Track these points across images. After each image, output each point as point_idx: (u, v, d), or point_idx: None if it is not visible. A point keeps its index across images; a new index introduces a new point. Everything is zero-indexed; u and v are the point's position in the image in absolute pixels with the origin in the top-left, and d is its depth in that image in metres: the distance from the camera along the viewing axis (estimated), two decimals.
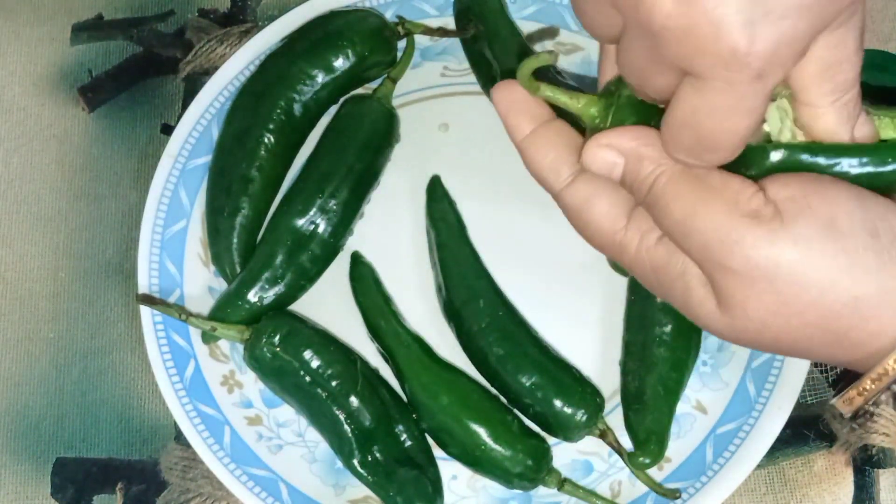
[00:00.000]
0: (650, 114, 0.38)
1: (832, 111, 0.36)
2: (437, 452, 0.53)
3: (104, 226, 0.61)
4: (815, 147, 0.36)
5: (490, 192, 0.58)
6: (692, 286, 0.37)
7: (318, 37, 0.57)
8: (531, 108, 0.41)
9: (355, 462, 0.51)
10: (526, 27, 0.59)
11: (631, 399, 0.53)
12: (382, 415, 0.52)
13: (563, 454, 0.54)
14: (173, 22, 0.64)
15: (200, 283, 0.56)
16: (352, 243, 0.57)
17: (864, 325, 0.35)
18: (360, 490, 0.53)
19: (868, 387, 0.37)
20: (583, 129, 0.40)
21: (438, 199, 0.57)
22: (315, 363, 0.52)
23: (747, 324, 0.36)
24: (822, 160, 0.36)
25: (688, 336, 0.53)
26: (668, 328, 0.52)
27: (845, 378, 0.40)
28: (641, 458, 0.52)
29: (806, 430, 0.55)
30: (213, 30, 0.63)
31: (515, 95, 0.41)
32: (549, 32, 0.60)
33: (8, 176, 0.62)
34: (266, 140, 0.55)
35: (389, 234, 0.58)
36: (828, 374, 0.57)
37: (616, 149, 0.37)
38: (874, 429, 0.55)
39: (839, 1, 0.32)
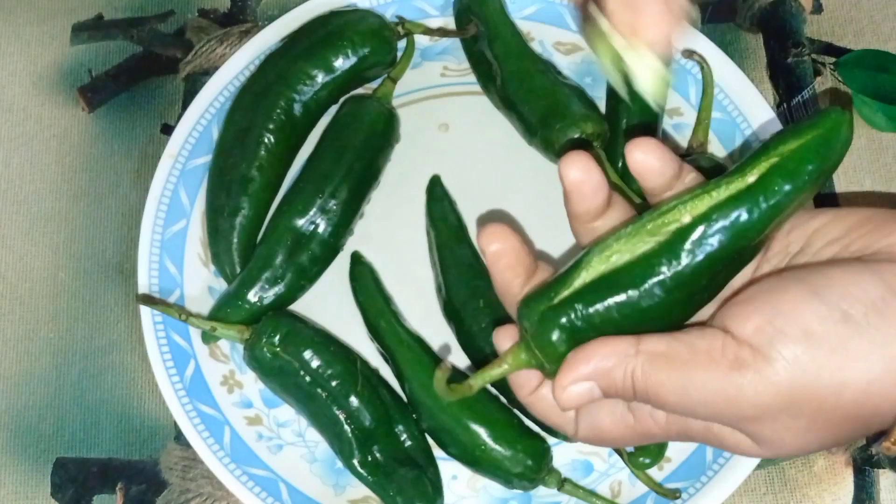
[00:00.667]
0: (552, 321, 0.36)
1: None
2: (437, 452, 0.53)
3: (104, 226, 0.61)
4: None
5: (490, 192, 0.58)
6: (722, 436, 0.38)
7: (318, 37, 0.57)
8: (529, 373, 0.40)
9: (355, 462, 0.51)
10: (526, 27, 0.59)
11: None
12: (382, 415, 0.52)
13: (563, 454, 0.54)
14: (173, 22, 0.64)
15: (200, 283, 0.56)
16: (352, 243, 0.57)
17: (885, 400, 0.35)
18: (360, 490, 0.53)
19: None
20: None
21: (438, 199, 0.57)
22: (315, 363, 0.52)
23: (790, 450, 0.37)
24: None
25: None
26: None
27: None
28: (641, 458, 0.52)
29: None
30: (213, 30, 0.63)
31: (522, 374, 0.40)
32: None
33: (8, 176, 0.62)
34: (266, 140, 0.55)
35: (389, 234, 0.58)
36: None
37: (581, 378, 0.37)
38: None
39: None
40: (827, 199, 0.59)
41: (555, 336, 0.36)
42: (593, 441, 0.41)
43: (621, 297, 0.36)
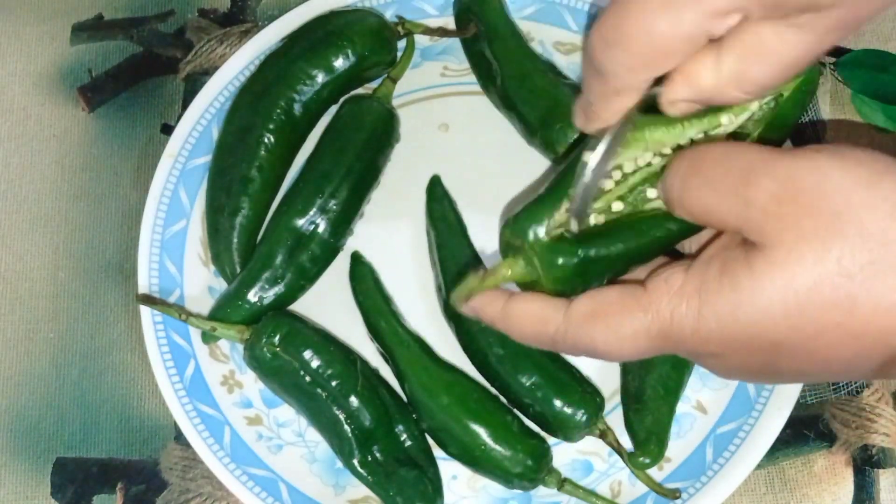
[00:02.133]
0: (571, 244, 0.39)
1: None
2: (437, 452, 0.53)
3: (104, 226, 0.61)
4: None
5: (490, 192, 0.58)
6: (735, 268, 0.36)
7: (318, 37, 0.57)
8: (491, 293, 0.41)
9: (355, 462, 0.51)
10: (526, 27, 0.59)
11: (631, 399, 0.53)
12: (382, 415, 0.52)
13: (563, 454, 0.54)
14: (173, 22, 0.64)
15: (200, 283, 0.56)
16: (352, 243, 0.57)
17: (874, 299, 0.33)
18: (360, 490, 0.53)
19: None
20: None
21: (438, 199, 0.57)
22: (315, 363, 0.52)
23: (805, 250, 0.34)
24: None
25: None
26: None
27: None
28: (641, 458, 0.52)
29: (806, 430, 0.55)
30: (213, 30, 0.63)
31: (478, 297, 0.42)
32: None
33: (8, 176, 0.62)
34: (266, 140, 0.55)
35: (389, 234, 0.58)
36: None
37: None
38: (874, 429, 0.55)
39: None
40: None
41: (561, 260, 0.39)
42: (584, 328, 0.39)
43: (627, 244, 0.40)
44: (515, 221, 0.40)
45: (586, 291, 0.39)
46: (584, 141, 0.40)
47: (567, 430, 0.52)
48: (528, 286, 0.41)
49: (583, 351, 0.39)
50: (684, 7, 0.35)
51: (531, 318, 0.40)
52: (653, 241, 0.40)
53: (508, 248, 0.41)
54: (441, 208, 0.57)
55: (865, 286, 0.33)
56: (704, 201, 0.37)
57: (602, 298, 0.39)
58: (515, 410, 0.53)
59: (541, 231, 0.39)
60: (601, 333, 0.38)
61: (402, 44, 0.58)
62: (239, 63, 0.59)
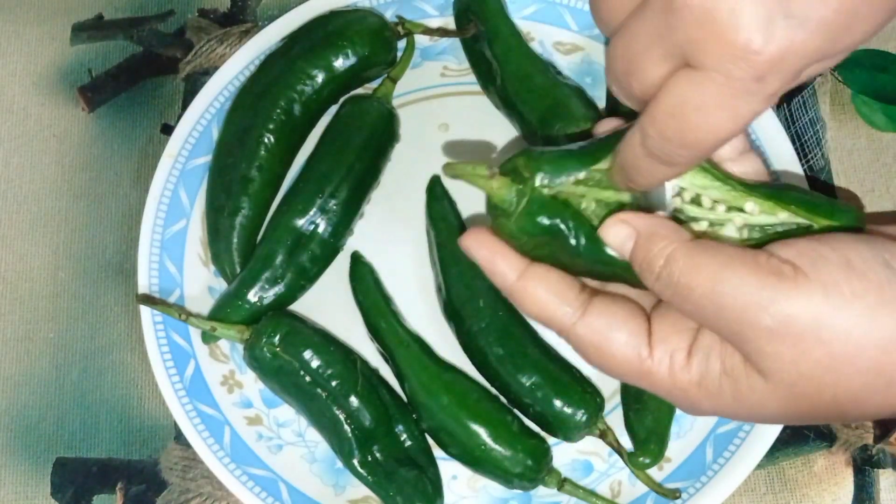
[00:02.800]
0: (560, 210, 0.38)
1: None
2: (437, 452, 0.53)
3: (104, 226, 0.61)
4: None
5: None
6: (737, 375, 0.37)
7: (318, 37, 0.57)
8: (509, 252, 0.40)
9: (355, 462, 0.51)
10: (526, 27, 0.59)
11: (631, 399, 0.53)
12: (382, 415, 0.52)
13: (563, 454, 0.54)
14: (173, 22, 0.64)
15: (200, 283, 0.56)
16: (352, 243, 0.57)
17: None
18: (360, 490, 0.53)
19: None
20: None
21: (438, 199, 0.57)
22: (315, 363, 0.52)
23: (805, 387, 0.35)
24: None
25: None
26: None
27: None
28: (641, 458, 0.52)
29: (806, 430, 0.55)
30: (213, 30, 0.63)
31: (490, 243, 0.40)
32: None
33: (8, 176, 0.62)
34: (266, 140, 0.55)
35: (389, 234, 0.58)
36: None
37: (631, 225, 0.38)
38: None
39: (852, 35, 0.32)
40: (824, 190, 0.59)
41: (541, 220, 0.38)
42: (587, 350, 0.40)
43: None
44: (537, 158, 0.39)
45: (593, 307, 0.39)
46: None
47: (567, 430, 0.52)
48: (494, 209, 0.40)
49: (577, 351, 0.40)
50: (746, 98, 0.33)
51: (540, 307, 0.40)
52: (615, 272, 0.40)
53: (513, 172, 0.39)
54: (441, 208, 0.57)
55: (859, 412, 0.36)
56: (704, 320, 0.37)
57: (610, 336, 0.39)
58: (515, 410, 0.53)
59: (550, 180, 0.38)
60: (597, 362, 0.40)
61: (402, 44, 0.58)
62: (239, 63, 0.59)
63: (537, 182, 0.38)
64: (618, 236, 0.38)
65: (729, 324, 0.35)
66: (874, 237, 0.36)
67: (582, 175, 0.39)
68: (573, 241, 0.39)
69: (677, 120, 0.34)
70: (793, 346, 0.34)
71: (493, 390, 0.54)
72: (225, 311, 0.54)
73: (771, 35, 0.31)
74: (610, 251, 0.39)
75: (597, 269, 0.40)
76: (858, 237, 0.36)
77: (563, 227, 0.39)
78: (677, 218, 0.39)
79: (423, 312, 0.56)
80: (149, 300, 0.54)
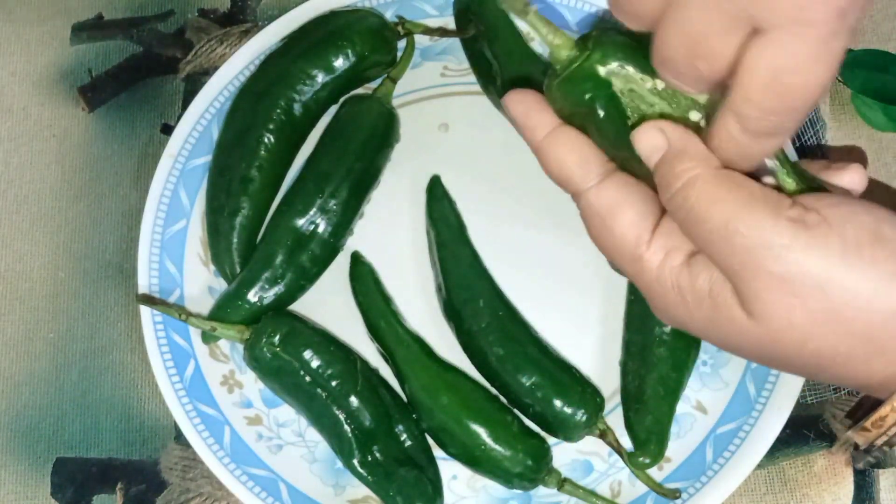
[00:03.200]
0: (604, 88, 0.38)
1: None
2: (437, 452, 0.53)
3: (104, 225, 0.61)
4: None
5: (490, 192, 0.58)
6: (721, 302, 0.36)
7: (318, 37, 0.57)
8: (547, 110, 0.40)
9: (355, 462, 0.51)
10: (526, 27, 0.59)
11: (631, 399, 0.53)
12: (382, 415, 0.52)
13: (563, 454, 0.54)
14: (173, 22, 0.64)
15: (200, 283, 0.56)
16: (352, 243, 0.57)
17: None
18: (360, 490, 0.53)
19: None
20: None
21: (438, 199, 0.57)
22: (315, 363, 0.52)
23: (790, 335, 0.35)
24: None
25: (688, 336, 0.52)
26: (668, 328, 0.52)
27: (862, 407, 0.40)
28: (641, 458, 0.52)
29: (806, 430, 0.55)
30: (213, 30, 0.63)
31: (530, 100, 0.40)
32: None
33: (8, 176, 0.62)
34: (266, 140, 0.55)
35: (389, 234, 0.58)
36: None
37: (666, 136, 0.37)
38: None
39: None
40: None
41: (587, 88, 0.38)
42: (593, 218, 0.39)
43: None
44: (609, 37, 0.38)
45: (612, 179, 0.39)
46: None
47: (567, 430, 0.52)
48: (550, 67, 0.39)
49: (583, 219, 0.40)
50: (835, 40, 0.31)
51: (561, 165, 0.39)
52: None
53: (583, 39, 0.39)
54: (441, 208, 0.57)
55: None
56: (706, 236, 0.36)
57: (618, 211, 0.38)
58: (515, 410, 0.53)
59: (609, 60, 0.38)
60: (597, 234, 0.40)
61: (402, 44, 0.58)
62: (239, 63, 0.59)
63: (596, 56, 0.38)
64: (649, 143, 0.37)
65: (732, 261, 0.35)
66: None
67: (661, 85, 0.38)
68: (605, 125, 0.38)
69: (776, 90, 0.32)
70: (792, 294, 0.34)
71: (493, 390, 0.54)
72: (225, 311, 0.54)
73: None
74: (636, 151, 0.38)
75: (620, 164, 0.40)
76: (892, 211, 0.35)
77: (598, 106, 0.38)
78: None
79: (423, 312, 0.56)
80: (149, 300, 0.54)
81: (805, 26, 0.30)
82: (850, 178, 0.39)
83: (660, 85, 0.38)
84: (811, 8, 0.30)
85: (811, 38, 0.30)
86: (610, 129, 0.39)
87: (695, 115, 0.38)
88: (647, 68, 0.38)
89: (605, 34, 0.39)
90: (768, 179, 0.38)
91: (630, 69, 0.38)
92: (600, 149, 0.40)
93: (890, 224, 0.34)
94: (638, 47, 0.38)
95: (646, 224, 0.38)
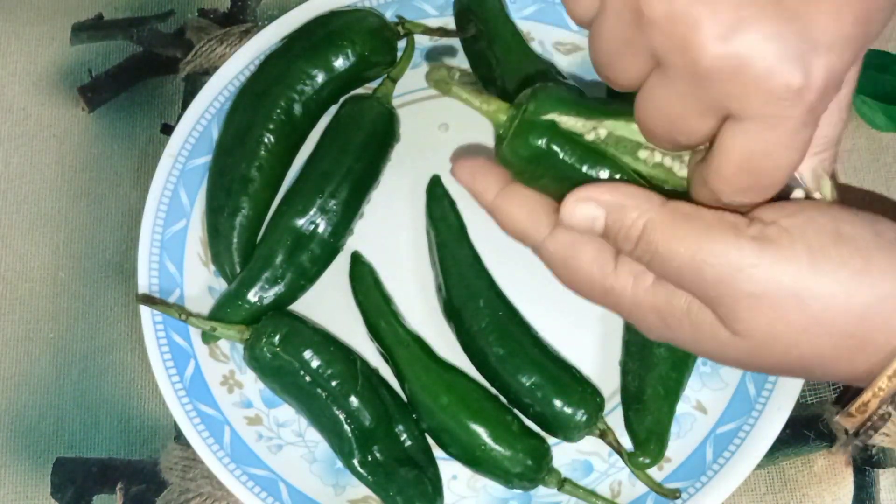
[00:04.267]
0: (552, 133, 0.38)
1: (807, 163, 0.37)
2: (437, 452, 0.53)
3: (104, 225, 0.61)
4: None
5: None
6: (700, 321, 0.37)
7: (318, 37, 0.57)
8: (494, 172, 0.40)
9: (355, 462, 0.51)
10: (526, 27, 0.59)
11: (631, 399, 0.53)
12: (382, 415, 0.52)
13: (563, 454, 0.54)
14: (173, 22, 0.64)
15: (200, 283, 0.56)
16: (352, 243, 0.57)
17: (888, 322, 0.34)
18: (360, 490, 0.53)
19: (883, 386, 0.36)
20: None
21: (438, 199, 0.57)
22: (315, 363, 0.52)
23: (774, 346, 0.36)
24: None
25: None
26: None
27: (848, 391, 0.40)
28: (641, 458, 0.52)
29: (806, 430, 0.55)
30: (213, 30, 0.63)
31: (475, 165, 0.41)
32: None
33: (8, 175, 0.62)
34: (266, 140, 0.55)
35: (389, 234, 0.58)
36: None
37: (596, 200, 0.37)
38: None
39: (872, 35, 0.32)
40: None
41: (535, 135, 0.38)
42: (556, 265, 0.40)
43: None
44: (543, 92, 0.38)
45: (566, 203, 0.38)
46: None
47: (567, 430, 0.52)
48: (496, 138, 0.40)
49: (549, 269, 0.41)
50: (805, 128, 0.33)
51: (514, 222, 0.40)
52: None
53: (525, 97, 0.39)
54: (441, 208, 0.57)
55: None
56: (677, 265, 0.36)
57: (577, 251, 0.39)
58: (515, 410, 0.53)
59: (547, 110, 0.38)
60: (564, 278, 0.40)
61: (402, 44, 0.58)
62: (239, 63, 0.59)
63: (531, 108, 0.38)
64: (583, 217, 0.37)
65: (707, 289, 0.35)
66: (864, 212, 0.36)
67: (603, 133, 0.38)
68: (561, 166, 0.38)
69: (748, 172, 0.34)
70: (770, 309, 0.34)
71: (493, 390, 0.54)
72: (225, 311, 0.54)
73: (809, 68, 0.31)
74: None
75: None
76: (849, 208, 0.36)
77: (550, 150, 0.38)
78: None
79: (423, 312, 0.56)
80: (149, 300, 0.54)
81: (778, 118, 0.32)
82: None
83: (602, 133, 0.38)
84: (782, 105, 0.31)
85: (782, 130, 0.32)
86: (567, 168, 0.38)
87: (643, 153, 0.38)
88: (588, 115, 0.38)
89: (540, 89, 0.39)
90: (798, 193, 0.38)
91: (568, 118, 0.38)
92: (565, 193, 0.39)
93: (848, 222, 0.35)
94: (577, 98, 0.39)
95: (606, 256, 0.38)
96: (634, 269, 0.38)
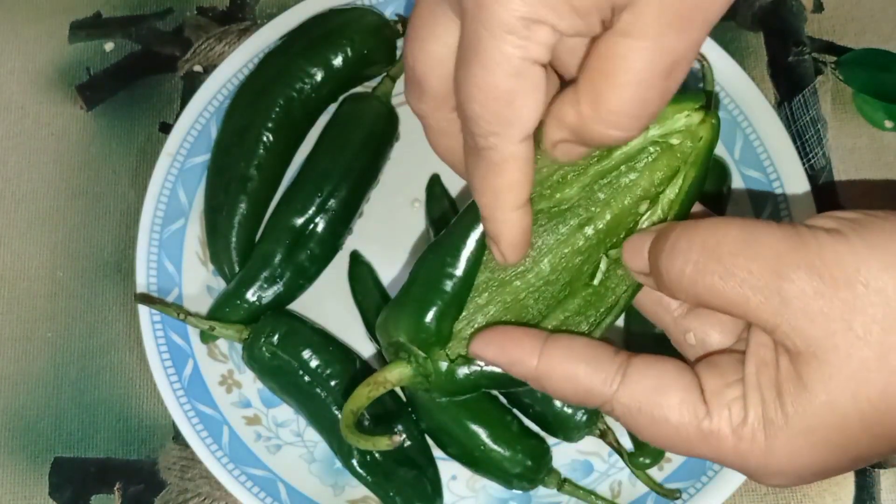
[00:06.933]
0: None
1: None
2: (437, 452, 0.53)
3: (102, 224, 0.60)
4: None
5: None
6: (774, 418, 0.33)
7: (317, 35, 0.57)
8: (526, 335, 0.36)
9: (354, 462, 0.51)
10: None
11: None
12: (382, 415, 0.52)
13: (563, 454, 0.54)
14: (172, 20, 0.64)
15: (199, 283, 0.56)
16: (351, 242, 0.57)
17: None
18: (359, 490, 0.53)
19: None
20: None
21: (438, 199, 0.57)
22: (314, 363, 0.51)
23: (796, 474, 0.33)
24: None
25: None
26: None
27: None
28: (642, 458, 0.52)
29: None
30: (211, 28, 0.63)
31: (495, 337, 0.37)
32: None
33: (6, 174, 0.62)
34: (265, 138, 0.55)
35: (389, 233, 0.57)
36: None
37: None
38: None
39: None
40: (825, 189, 0.59)
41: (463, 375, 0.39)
42: (636, 418, 0.35)
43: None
44: (408, 327, 0.38)
45: (634, 368, 0.35)
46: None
47: (567, 430, 0.52)
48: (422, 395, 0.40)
49: (625, 425, 0.36)
50: (489, 49, 0.31)
51: (573, 382, 0.35)
52: None
53: (397, 348, 0.39)
54: (441, 208, 0.56)
55: None
56: (729, 295, 0.32)
57: (661, 399, 0.34)
58: (515, 410, 0.53)
59: (443, 343, 0.38)
60: (649, 433, 0.35)
61: (401, 42, 0.58)
62: (238, 61, 0.59)
63: (424, 343, 0.39)
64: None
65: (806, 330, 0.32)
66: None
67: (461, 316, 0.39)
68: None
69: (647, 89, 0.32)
70: (839, 296, 0.31)
71: (494, 391, 0.53)
72: (223, 311, 0.53)
73: None
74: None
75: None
76: None
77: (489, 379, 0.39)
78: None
79: None
80: (147, 299, 0.54)
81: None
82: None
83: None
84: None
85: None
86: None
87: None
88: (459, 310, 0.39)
89: (411, 326, 0.39)
90: None
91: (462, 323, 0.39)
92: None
93: None
94: (445, 308, 0.39)
95: (694, 396, 0.34)
96: (722, 401, 0.34)
